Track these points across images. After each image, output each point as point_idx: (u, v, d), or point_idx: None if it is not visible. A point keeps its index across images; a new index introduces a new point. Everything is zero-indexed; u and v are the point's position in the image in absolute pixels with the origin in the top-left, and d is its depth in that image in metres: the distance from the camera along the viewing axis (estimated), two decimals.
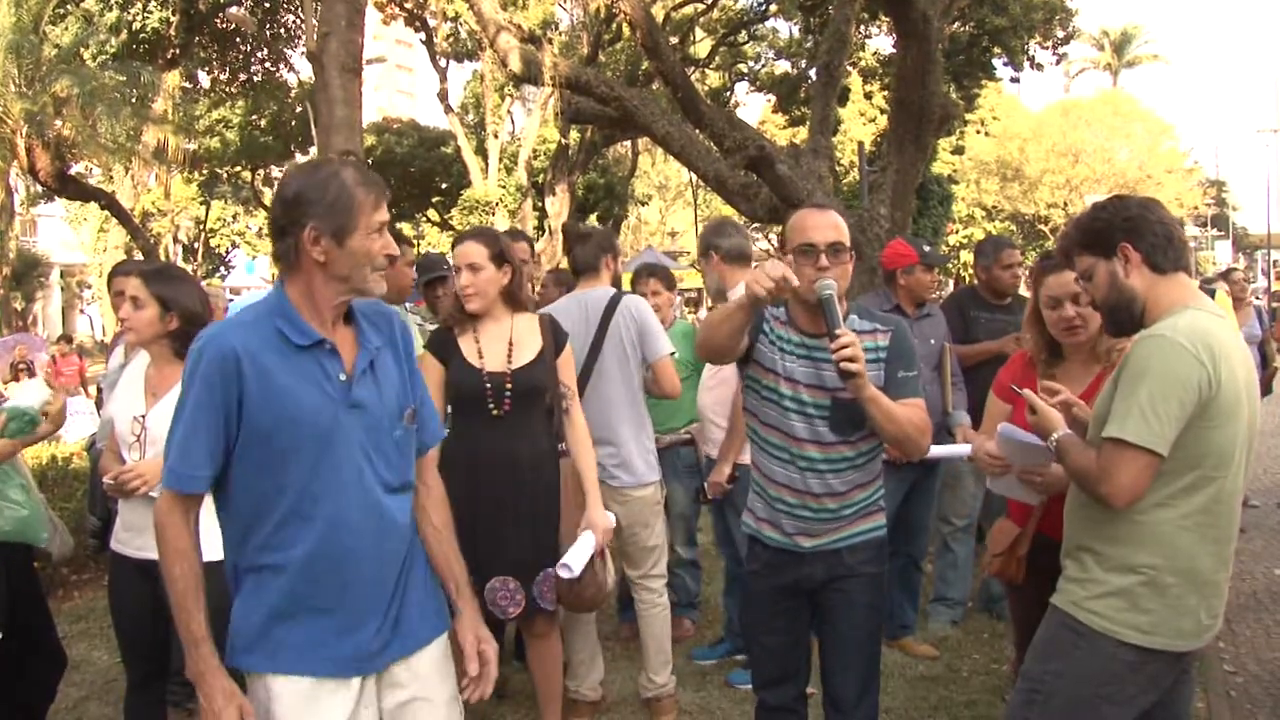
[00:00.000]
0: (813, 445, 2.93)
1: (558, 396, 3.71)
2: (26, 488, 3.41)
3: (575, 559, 3.44)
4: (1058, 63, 25.67)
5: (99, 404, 6.92)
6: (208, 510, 3.36)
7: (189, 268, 36.25)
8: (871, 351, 2.90)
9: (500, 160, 29.46)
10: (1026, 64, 23.37)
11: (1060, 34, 23.62)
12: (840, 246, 2.86)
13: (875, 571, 3.06)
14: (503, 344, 3.63)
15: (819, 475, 2.94)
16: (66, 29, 19.02)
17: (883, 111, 26.71)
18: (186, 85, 24.79)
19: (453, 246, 4.48)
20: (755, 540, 3.12)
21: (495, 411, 3.56)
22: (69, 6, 18.89)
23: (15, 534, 3.36)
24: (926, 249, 5.02)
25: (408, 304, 4.77)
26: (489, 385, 3.55)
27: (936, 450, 4.75)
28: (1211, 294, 4.46)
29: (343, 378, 2.26)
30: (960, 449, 4.74)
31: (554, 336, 3.74)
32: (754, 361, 2.99)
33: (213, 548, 3.28)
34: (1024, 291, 5.75)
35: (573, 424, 3.76)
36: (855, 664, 3.05)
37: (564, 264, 18.84)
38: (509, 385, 3.56)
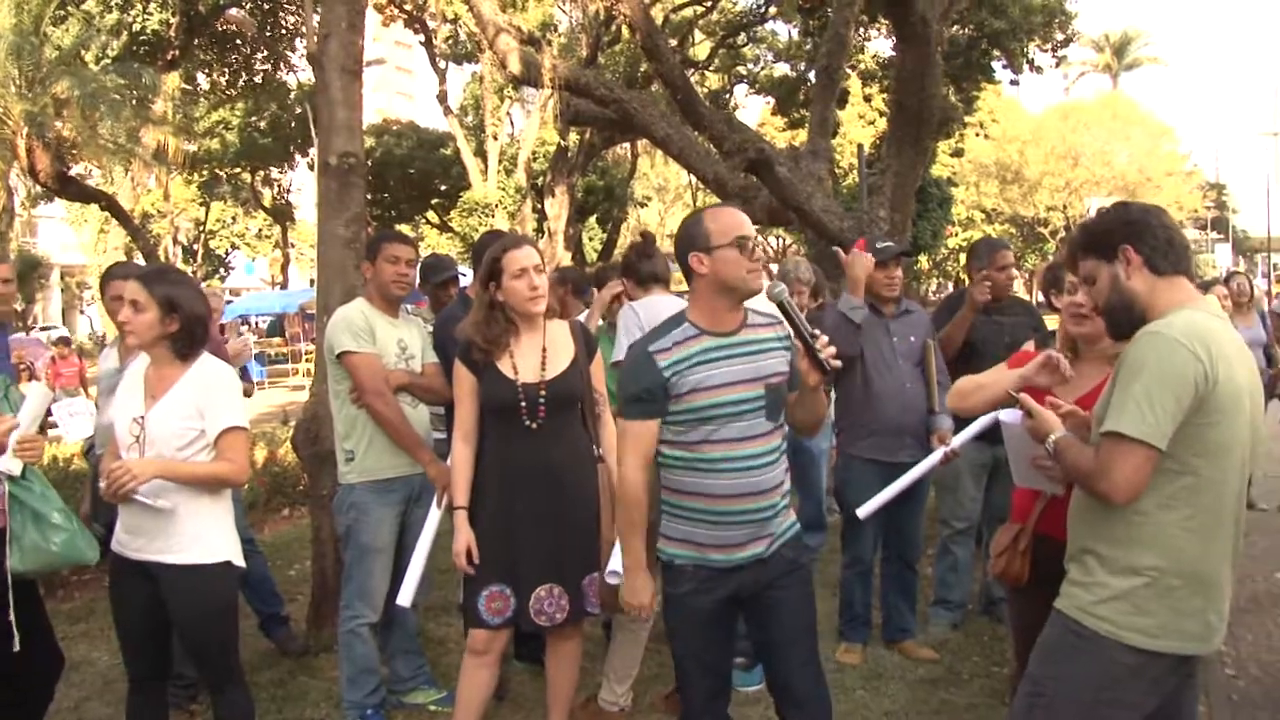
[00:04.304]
0: (753, 441, 2.95)
1: (591, 403, 3.70)
2: (66, 511, 3.39)
3: (620, 564, 3.43)
4: (1057, 65, 25.72)
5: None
6: (214, 511, 3.39)
7: (189, 269, 36.30)
8: (784, 340, 3.01)
9: (499, 162, 29.44)
10: (1026, 67, 23.37)
11: (1060, 37, 23.64)
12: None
13: (805, 563, 3.16)
14: (536, 353, 3.60)
15: (765, 469, 2.97)
16: (67, 31, 19.00)
17: (882, 114, 26.76)
18: (186, 87, 24.77)
19: (476, 251, 4.45)
20: (690, 566, 3.02)
21: (531, 424, 3.55)
22: (69, 8, 18.88)
23: (63, 556, 3.34)
24: (879, 245, 4.93)
25: (409, 305, 4.77)
26: (523, 398, 3.53)
27: (915, 472, 4.68)
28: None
29: None
30: (934, 457, 4.67)
31: (585, 343, 3.73)
32: (678, 399, 2.93)
33: (221, 549, 3.30)
34: (1022, 294, 5.75)
35: (605, 429, 3.75)
36: (812, 658, 3.07)
37: (564, 264, 18.76)
38: (543, 395, 3.54)
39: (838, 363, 2.77)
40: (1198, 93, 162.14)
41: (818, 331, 2.78)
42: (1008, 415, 2.92)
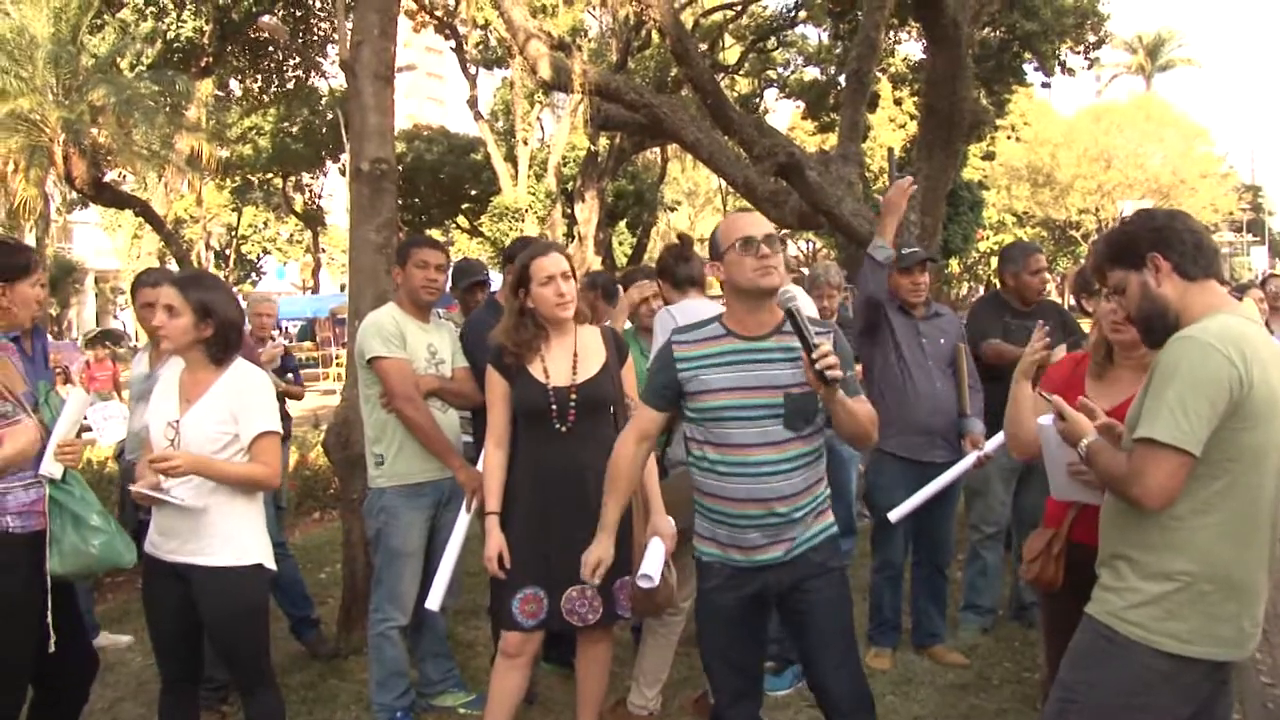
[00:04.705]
0: (766, 448, 2.94)
1: (622, 407, 3.70)
2: (105, 514, 3.43)
3: (652, 567, 3.40)
4: (1089, 67, 25.47)
5: None
6: (246, 513, 3.41)
7: (221, 274, 36.63)
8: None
9: (530, 167, 29.54)
10: (1058, 69, 23.16)
11: (1092, 38, 23.43)
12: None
13: (839, 566, 3.13)
14: (567, 357, 3.62)
15: (780, 477, 2.95)
16: (103, 39, 19.29)
17: (913, 117, 26.61)
18: (219, 93, 25.09)
19: (507, 257, 4.47)
20: (717, 563, 3.08)
21: (561, 427, 3.57)
22: (106, 17, 19.15)
23: (102, 558, 3.38)
24: (904, 250, 4.92)
25: (440, 310, 4.79)
26: (554, 401, 3.56)
27: (947, 476, 4.68)
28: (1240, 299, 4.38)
29: None
30: (966, 461, 4.69)
31: (616, 348, 3.75)
32: (692, 397, 3.00)
33: (252, 551, 3.33)
34: (1054, 297, 5.72)
35: None
36: (847, 659, 3.06)
37: (594, 269, 18.76)
38: (574, 398, 3.57)
39: (837, 374, 2.75)
40: (1232, 94, 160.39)
41: (821, 342, 2.76)
42: (1045, 419, 2.90)
